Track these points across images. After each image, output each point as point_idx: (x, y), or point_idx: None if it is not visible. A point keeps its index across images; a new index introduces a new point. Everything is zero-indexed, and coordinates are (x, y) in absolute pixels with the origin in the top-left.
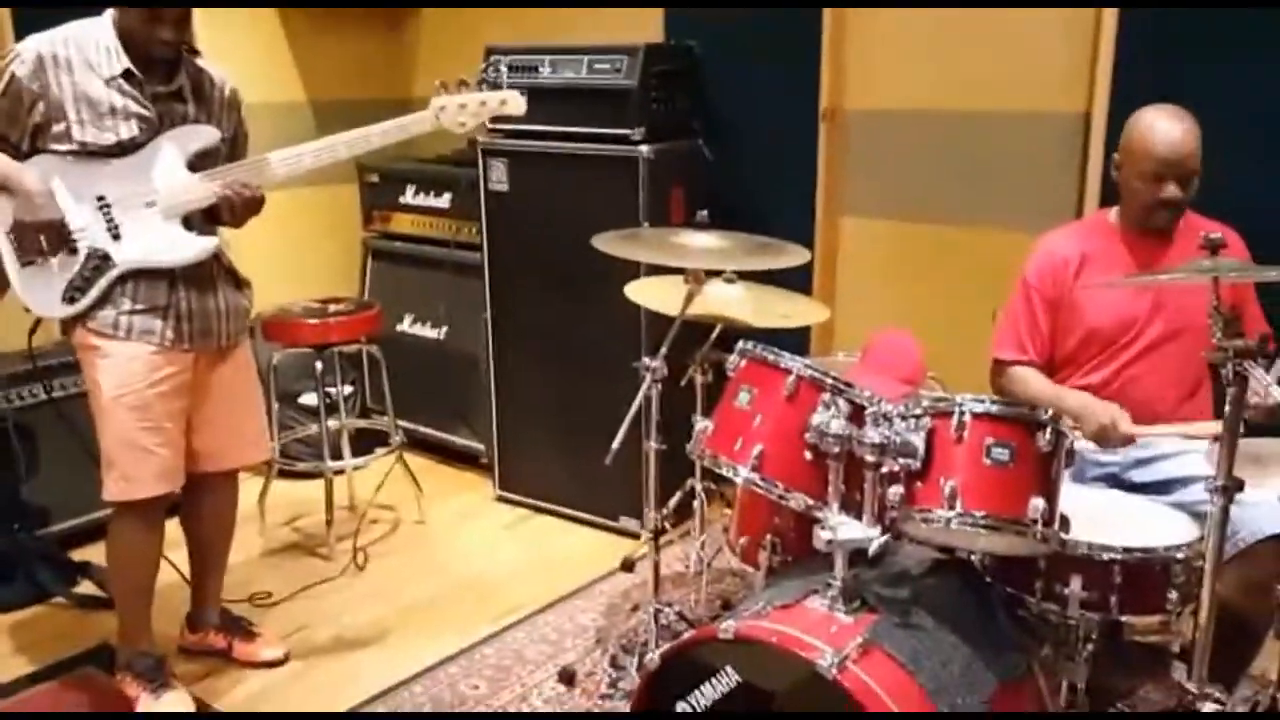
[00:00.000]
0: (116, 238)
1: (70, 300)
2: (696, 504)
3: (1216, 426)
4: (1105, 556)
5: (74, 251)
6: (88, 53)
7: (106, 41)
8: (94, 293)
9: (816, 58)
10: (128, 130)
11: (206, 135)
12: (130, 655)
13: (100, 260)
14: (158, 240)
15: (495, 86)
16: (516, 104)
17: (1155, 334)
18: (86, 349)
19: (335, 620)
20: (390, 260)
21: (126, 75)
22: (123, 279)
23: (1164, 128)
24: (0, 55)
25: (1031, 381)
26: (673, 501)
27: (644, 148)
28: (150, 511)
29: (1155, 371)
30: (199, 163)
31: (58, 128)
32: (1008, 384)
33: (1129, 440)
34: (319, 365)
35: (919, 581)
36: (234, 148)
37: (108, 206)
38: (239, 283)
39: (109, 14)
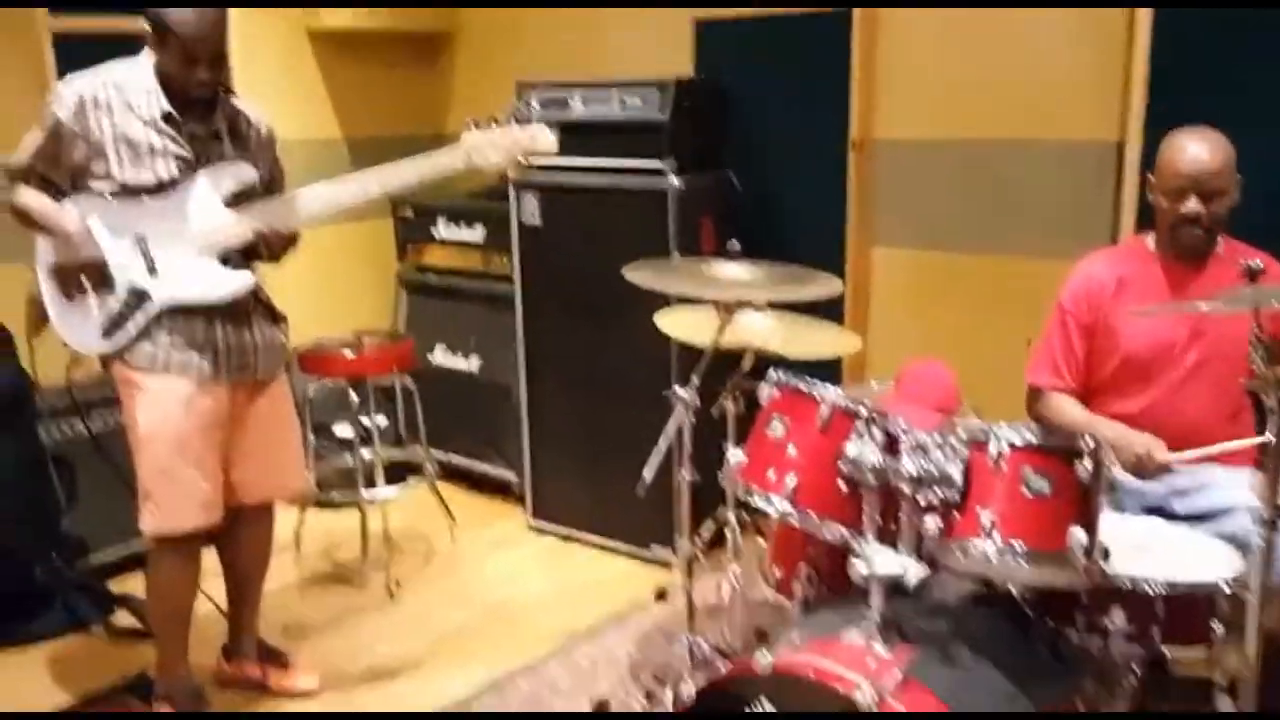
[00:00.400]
0: (154, 275)
1: (108, 335)
2: (729, 534)
3: (1251, 443)
4: (1148, 589)
5: (112, 289)
6: (128, 94)
7: (146, 84)
8: (131, 329)
9: (846, 88)
10: (166, 170)
11: (243, 173)
12: (168, 685)
13: (138, 297)
14: (195, 277)
15: (527, 123)
16: (546, 140)
17: (1193, 360)
18: (125, 383)
19: (370, 650)
20: (423, 293)
21: (165, 117)
22: (160, 315)
23: (1189, 145)
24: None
25: (1066, 409)
26: (705, 532)
27: (674, 180)
28: (189, 543)
29: (1195, 398)
30: (236, 200)
31: (98, 167)
32: (1043, 411)
33: (1165, 469)
34: (354, 397)
35: (957, 614)
36: (271, 185)
37: (146, 244)
38: (275, 317)
39: (147, 56)
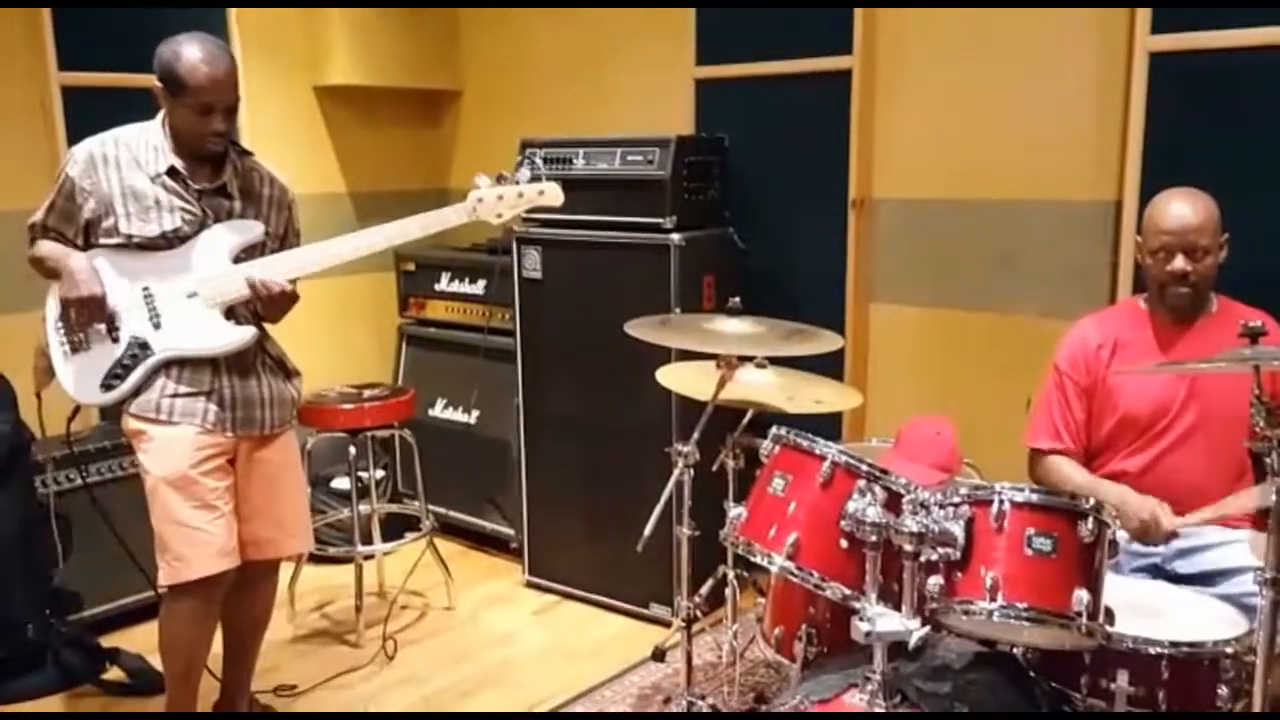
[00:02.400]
0: (158, 327)
1: (108, 388)
2: (729, 592)
3: (1255, 501)
4: (1152, 650)
5: (116, 340)
6: (136, 151)
7: (155, 141)
8: (132, 380)
9: (845, 147)
10: (171, 222)
11: (251, 230)
12: None
13: (140, 348)
14: (197, 329)
15: (536, 178)
16: (555, 196)
17: (1191, 420)
18: (134, 435)
19: (363, 708)
20: (424, 346)
21: (170, 172)
22: (166, 365)
23: (1172, 203)
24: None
25: (1068, 473)
26: (705, 589)
27: (676, 236)
28: (205, 592)
29: (1195, 458)
30: (244, 256)
31: (107, 223)
32: (1044, 474)
33: (1172, 535)
34: (352, 449)
35: (960, 675)
36: (283, 245)
37: (151, 297)
38: (288, 373)
39: (160, 116)
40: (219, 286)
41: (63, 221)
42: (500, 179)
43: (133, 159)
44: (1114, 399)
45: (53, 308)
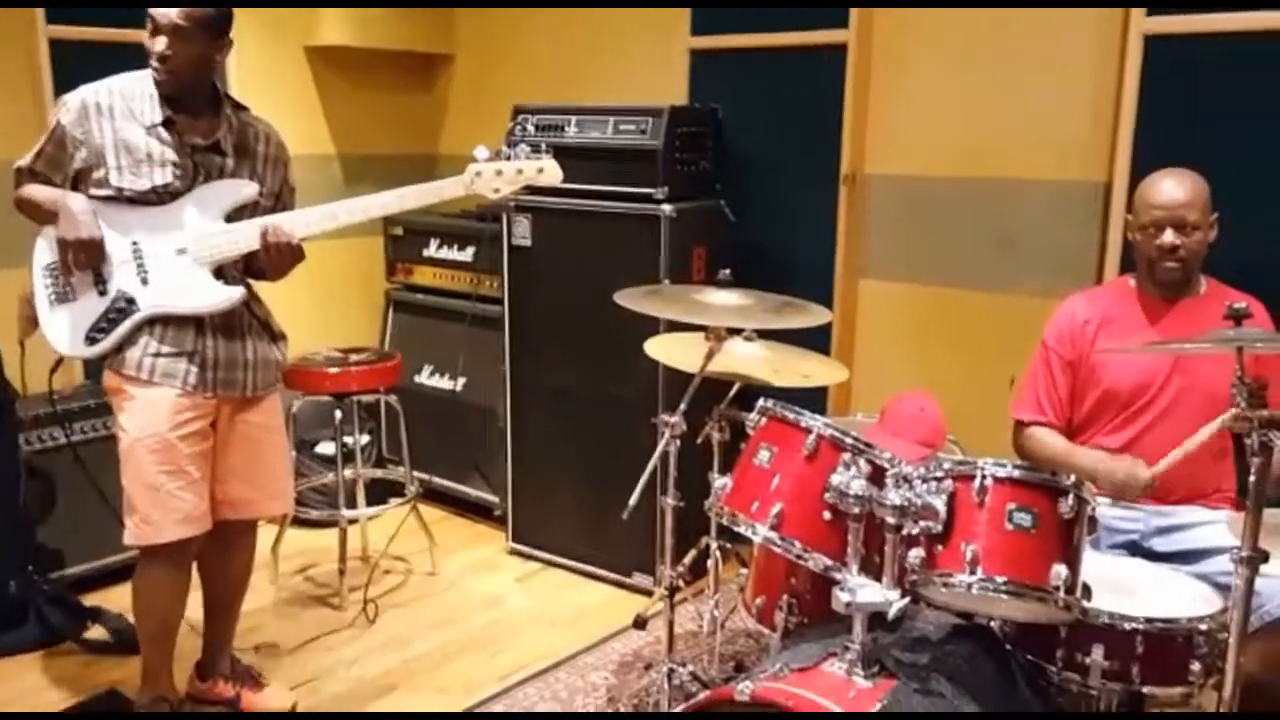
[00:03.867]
0: (145, 283)
1: (91, 341)
2: (711, 562)
3: (1225, 421)
4: (1127, 626)
5: (103, 293)
6: (130, 101)
7: (149, 90)
8: (116, 335)
9: (838, 122)
10: (162, 177)
11: (244, 190)
12: (149, 699)
13: (126, 303)
14: (184, 288)
15: (535, 154)
16: (553, 174)
17: (1172, 397)
18: (113, 392)
19: (345, 671)
20: (412, 312)
21: (166, 123)
22: (151, 323)
23: (1162, 180)
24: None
25: (1047, 441)
26: (687, 559)
27: (667, 207)
28: (176, 554)
29: (1175, 435)
30: (236, 215)
31: (98, 174)
32: (1025, 444)
33: (1150, 486)
34: (338, 414)
35: (938, 647)
36: (278, 202)
37: (140, 252)
38: (274, 335)
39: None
40: (210, 244)
41: (51, 168)
42: (499, 154)
43: (127, 108)
44: (1097, 374)
45: (42, 253)
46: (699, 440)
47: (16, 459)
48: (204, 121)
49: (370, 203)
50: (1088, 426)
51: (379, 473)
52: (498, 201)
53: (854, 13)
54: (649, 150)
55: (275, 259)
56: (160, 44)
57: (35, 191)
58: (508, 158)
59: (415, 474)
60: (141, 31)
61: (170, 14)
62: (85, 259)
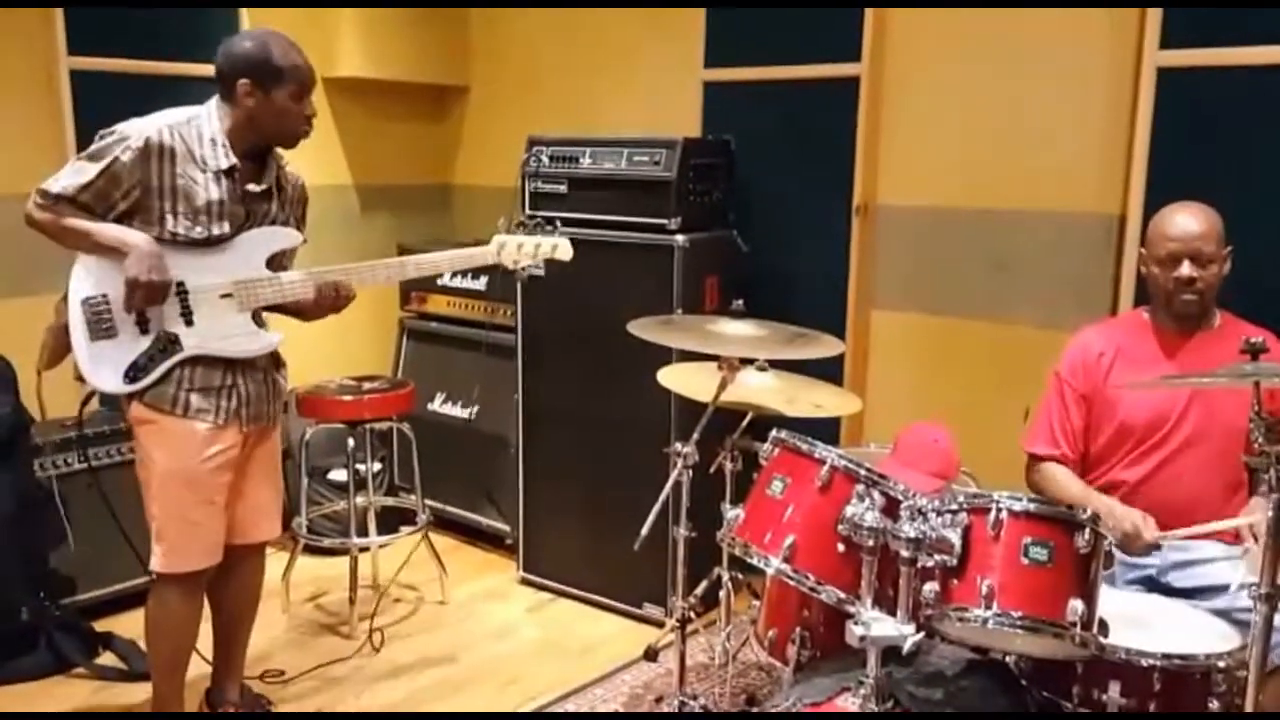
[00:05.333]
0: (189, 324)
1: (131, 378)
2: (723, 594)
3: (1243, 521)
4: (1145, 662)
5: (145, 332)
6: (192, 144)
7: (212, 135)
8: (156, 374)
9: (850, 154)
10: (218, 228)
11: (289, 238)
12: None
13: (169, 343)
14: (227, 331)
15: (550, 232)
16: (566, 251)
17: (1189, 432)
18: (142, 422)
19: (354, 701)
20: (425, 340)
21: (229, 171)
22: (183, 362)
23: (1177, 213)
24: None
25: (1062, 481)
26: (699, 590)
27: (680, 237)
28: (191, 583)
29: (1192, 470)
30: (276, 259)
31: (148, 215)
32: (1039, 480)
33: (1154, 547)
34: (351, 441)
35: (953, 682)
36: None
37: (186, 293)
38: (280, 363)
39: (214, 106)
40: (255, 291)
41: (96, 200)
42: (519, 227)
43: (188, 152)
44: (1113, 408)
45: (82, 285)
46: (711, 470)
47: (32, 485)
48: (257, 166)
49: (407, 263)
50: (1104, 460)
51: (391, 501)
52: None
53: (866, 46)
54: (663, 181)
55: (325, 308)
56: (310, 107)
57: (91, 226)
58: (529, 232)
59: (427, 502)
60: (164, 63)
61: (314, 78)
62: (150, 300)
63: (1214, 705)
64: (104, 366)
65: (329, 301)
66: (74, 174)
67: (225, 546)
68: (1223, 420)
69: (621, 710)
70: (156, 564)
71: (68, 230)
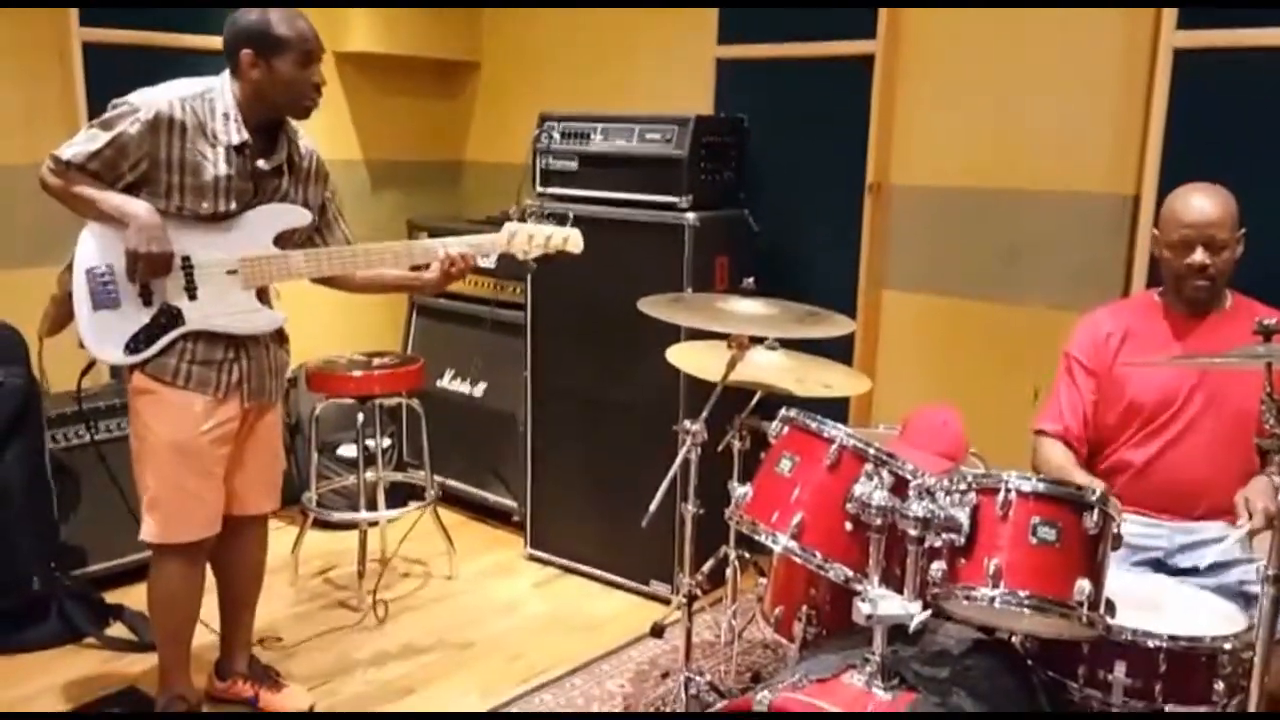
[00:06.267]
0: (193, 298)
1: (132, 350)
2: (730, 571)
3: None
4: (1151, 643)
5: (149, 304)
6: (204, 117)
7: (224, 108)
8: (158, 346)
9: (864, 133)
10: (225, 204)
11: (298, 215)
12: (167, 699)
13: (171, 317)
14: (232, 307)
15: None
16: (576, 243)
17: (1196, 413)
18: (141, 392)
19: (363, 673)
20: (434, 317)
21: (240, 147)
22: (185, 336)
23: (1192, 197)
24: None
25: (1046, 454)
26: (706, 567)
27: (690, 215)
28: (191, 554)
29: (1201, 453)
30: (284, 237)
31: (156, 187)
32: (1034, 455)
33: None
34: (360, 417)
35: (959, 661)
36: (324, 214)
37: (191, 267)
38: (284, 340)
39: (227, 79)
40: (261, 268)
41: (105, 169)
42: (533, 217)
43: (199, 125)
44: (1120, 387)
45: (87, 254)
46: (720, 448)
47: (43, 456)
48: (268, 141)
49: (414, 246)
50: (1111, 440)
51: (399, 476)
52: (516, 201)
53: (881, 23)
54: (674, 159)
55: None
56: (318, 74)
57: (96, 194)
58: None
59: (435, 478)
60: (177, 35)
61: (321, 44)
62: (152, 272)
63: (1219, 687)
64: (106, 337)
65: (455, 274)
66: (86, 141)
67: (225, 518)
68: (1232, 403)
69: (628, 685)
70: (151, 534)
71: (76, 197)
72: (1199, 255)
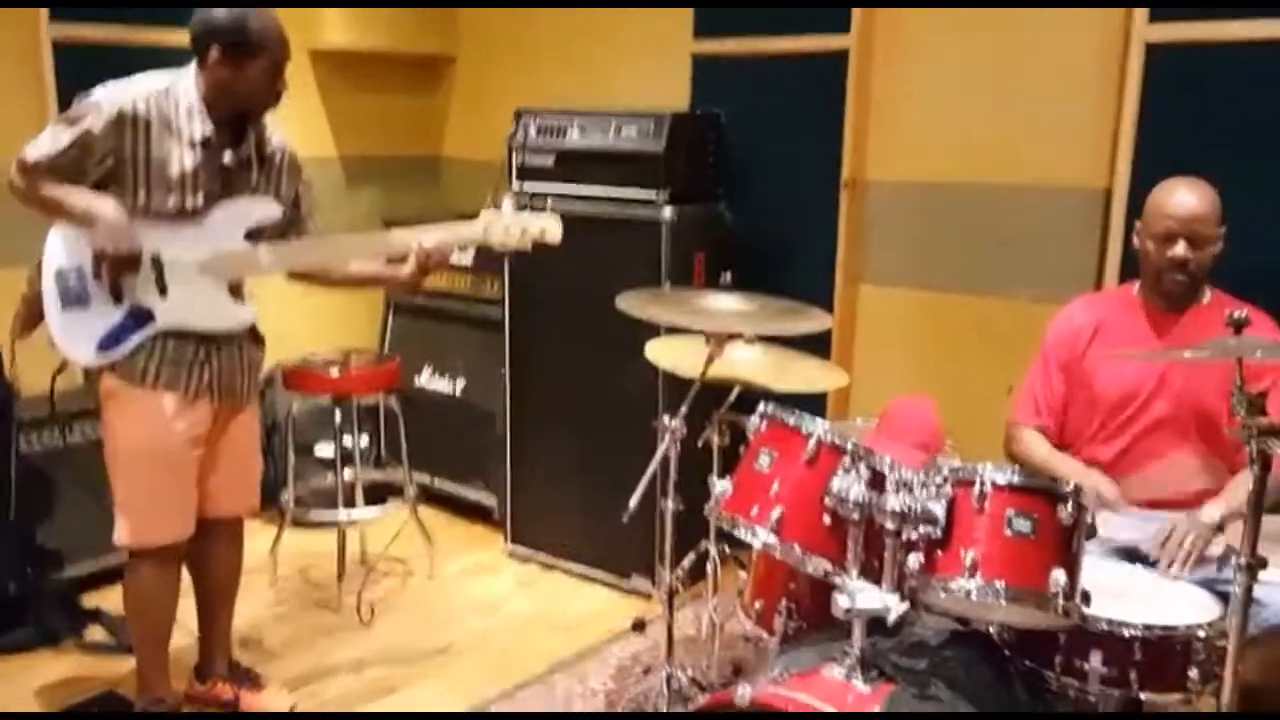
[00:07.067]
0: (164, 296)
1: (104, 349)
2: (710, 566)
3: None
4: (1126, 633)
5: (119, 303)
6: (168, 112)
7: (189, 103)
8: (128, 345)
9: (839, 128)
10: (192, 201)
11: (268, 209)
12: (147, 702)
13: (142, 315)
14: (202, 305)
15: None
16: (555, 234)
17: (1161, 410)
18: (111, 394)
19: (344, 674)
20: (411, 314)
21: (205, 141)
22: (156, 335)
23: (1178, 190)
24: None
25: (1031, 445)
26: (686, 562)
27: (668, 211)
28: (165, 557)
29: (1165, 448)
30: (255, 233)
31: (123, 184)
32: (1014, 446)
33: (1111, 509)
34: (338, 416)
35: (937, 652)
36: (297, 208)
37: (160, 265)
38: (258, 340)
39: (191, 72)
40: (230, 263)
41: (72, 169)
42: (501, 205)
43: (164, 121)
44: (1088, 381)
45: (55, 254)
46: (699, 444)
47: (16, 459)
48: (235, 134)
49: (390, 237)
50: (1079, 435)
51: (378, 475)
52: (492, 195)
53: (856, 18)
54: (651, 154)
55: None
56: (282, 84)
57: (63, 194)
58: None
59: (414, 476)
60: (148, 30)
61: (290, 52)
62: (119, 271)
63: (1194, 674)
64: (77, 336)
65: (432, 267)
66: (50, 140)
67: (200, 520)
68: (1196, 398)
69: (610, 681)
70: (123, 537)
71: (44, 199)
72: (1180, 249)
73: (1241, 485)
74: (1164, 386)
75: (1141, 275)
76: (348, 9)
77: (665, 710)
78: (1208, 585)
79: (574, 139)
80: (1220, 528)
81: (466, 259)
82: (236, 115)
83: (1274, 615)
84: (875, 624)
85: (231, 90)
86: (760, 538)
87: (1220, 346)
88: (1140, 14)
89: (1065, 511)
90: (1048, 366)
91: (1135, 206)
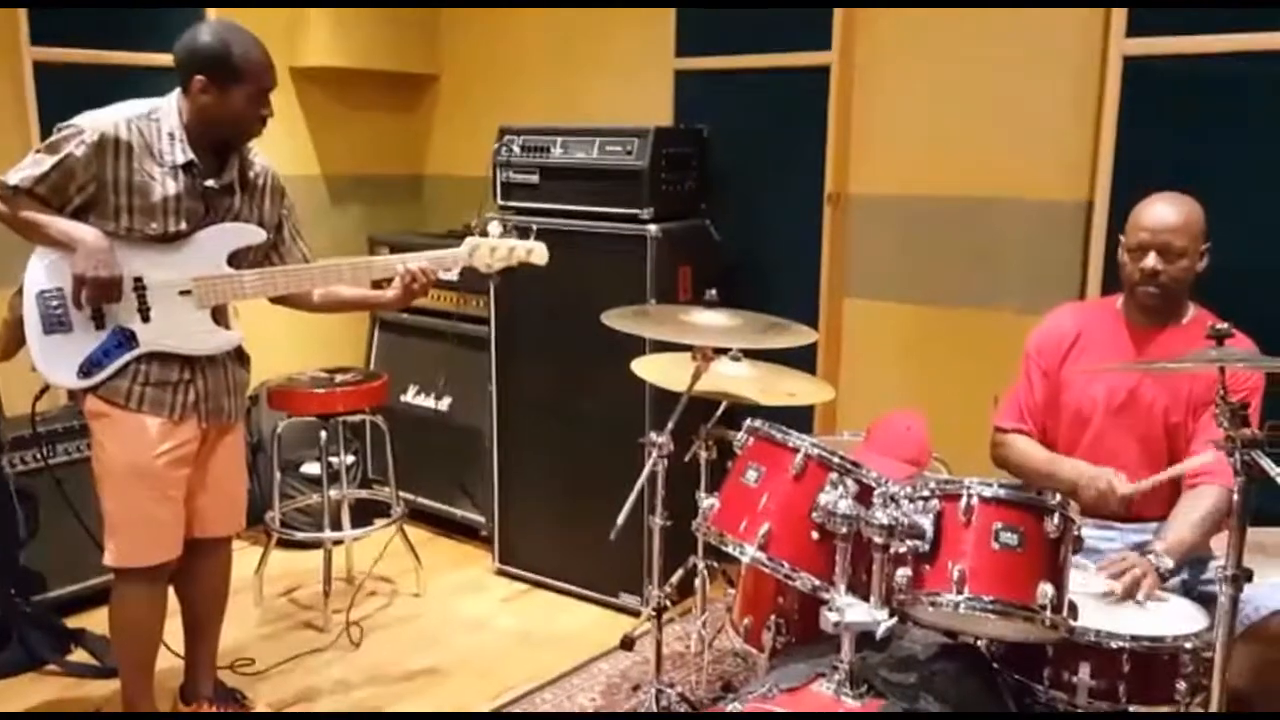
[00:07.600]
0: (146, 320)
1: (86, 374)
2: (698, 582)
3: (1205, 459)
4: (1114, 644)
5: (100, 327)
6: (150, 138)
7: (169, 128)
8: (111, 369)
9: (822, 143)
10: (174, 224)
11: (251, 234)
12: None
13: (125, 339)
14: (185, 328)
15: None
16: (541, 256)
17: (1120, 424)
18: (96, 416)
19: (330, 694)
20: (397, 331)
21: (187, 166)
22: (139, 358)
23: (1156, 203)
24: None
25: (1028, 451)
26: (675, 578)
27: (652, 227)
28: (153, 578)
29: (1132, 462)
30: (238, 257)
31: (105, 209)
32: (1004, 451)
33: (1128, 501)
34: (323, 434)
35: (926, 666)
36: (280, 232)
37: (143, 288)
38: (244, 359)
39: (176, 98)
40: (215, 288)
41: (53, 194)
42: (487, 231)
43: (145, 146)
44: (1060, 390)
45: (37, 277)
46: (686, 459)
47: (1, 480)
48: (218, 160)
49: (373, 262)
50: (1053, 444)
51: (364, 493)
52: (478, 214)
53: (836, 35)
54: (634, 171)
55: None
56: (268, 108)
57: (43, 219)
58: (504, 233)
59: (401, 494)
60: (126, 54)
61: (275, 78)
62: (99, 297)
63: (1181, 686)
64: (58, 360)
65: (418, 290)
66: (32, 165)
67: (188, 541)
68: (1163, 413)
69: (599, 699)
70: (111, 559)
71: (24, 222)
72: (1151, 261)
73: (1184, 518)
74: (1134, 399)
75: (1122, 288)
76: (330, 25)
77: None
78: (1185, 590)
79: (558, 156)
80: (1175, 572)
81: (453, 276)
82: (220, 141)
83: (1254, 611)
84: (864, 638)
85: (215, 117)
86: (748, 553)
87: (1203, 357)
88: (1119, 27)
89: (1052, 524)
90: (1029, 372)
91: (1117, 219)
